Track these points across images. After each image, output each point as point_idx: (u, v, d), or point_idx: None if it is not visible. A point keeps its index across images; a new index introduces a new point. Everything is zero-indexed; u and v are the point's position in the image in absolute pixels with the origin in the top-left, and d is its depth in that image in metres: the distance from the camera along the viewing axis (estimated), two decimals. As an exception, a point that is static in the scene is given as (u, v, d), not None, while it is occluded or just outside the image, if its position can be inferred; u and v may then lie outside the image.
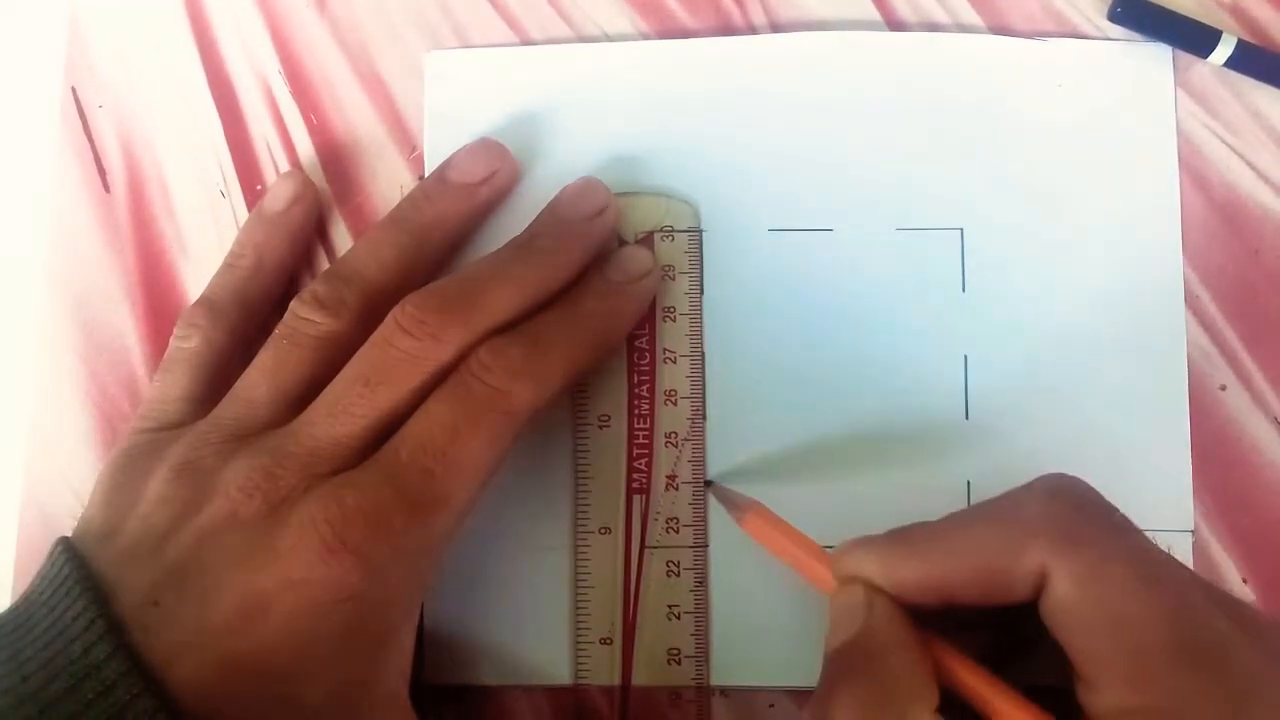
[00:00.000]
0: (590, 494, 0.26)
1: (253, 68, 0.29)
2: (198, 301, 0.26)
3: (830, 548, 0.26)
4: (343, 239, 0.28)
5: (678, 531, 0.26)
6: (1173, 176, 0.27)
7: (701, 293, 0.27)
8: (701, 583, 0.26)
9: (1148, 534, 0.26)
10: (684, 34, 0.29)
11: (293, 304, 0.25)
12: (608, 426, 0.27)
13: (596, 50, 0.28)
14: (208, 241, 0.29)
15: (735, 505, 0.25)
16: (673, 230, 0.27)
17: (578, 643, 0.26)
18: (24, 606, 0.22)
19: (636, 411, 0.27)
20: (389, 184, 0.29)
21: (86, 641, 0.20)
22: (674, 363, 0.27)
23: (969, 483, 0.26)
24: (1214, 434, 0.27)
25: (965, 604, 0.21)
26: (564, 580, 0.26)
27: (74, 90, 0.29)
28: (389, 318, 0.23)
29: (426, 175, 0.28)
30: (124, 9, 0.30)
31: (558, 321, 0.24)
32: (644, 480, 0.26)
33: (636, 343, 0.27)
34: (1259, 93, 0.28)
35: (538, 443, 0.27)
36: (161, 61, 0.29)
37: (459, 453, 0.22)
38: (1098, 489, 0.25)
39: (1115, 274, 0.27)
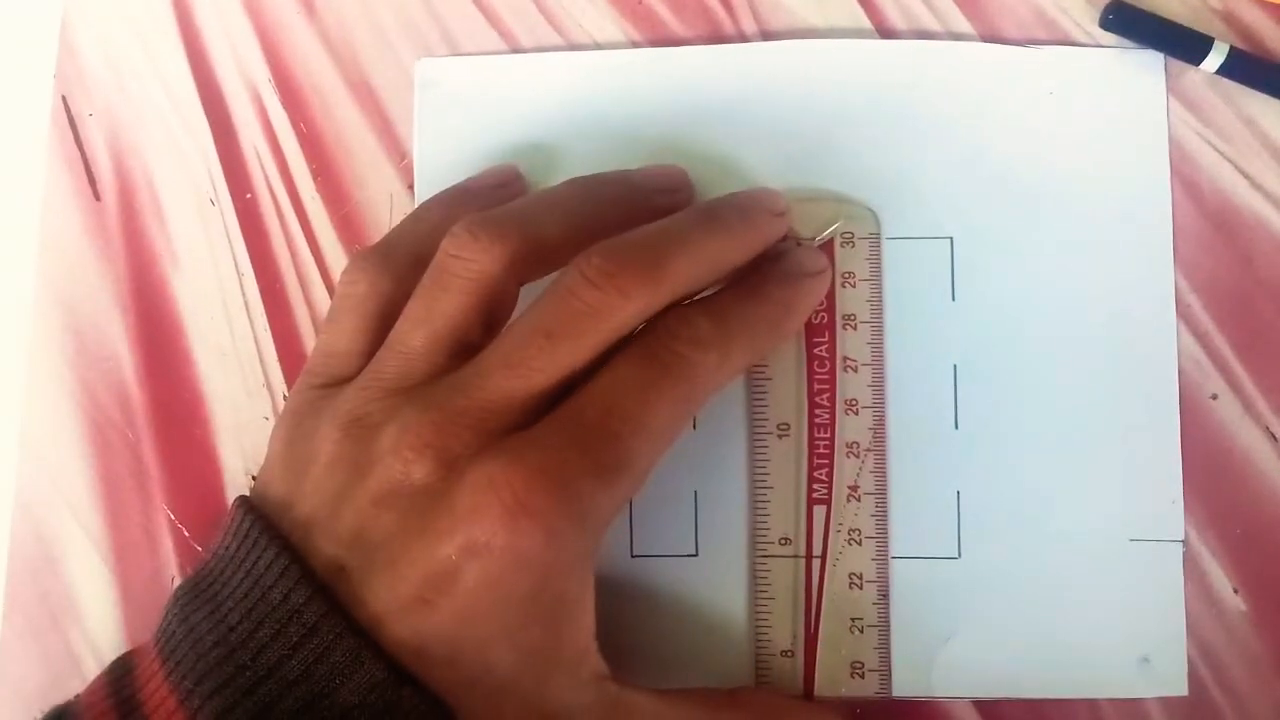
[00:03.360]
0: (769, 504, 0.26)
1: (242, 76, 0.29)
2: (368, 247, 0.25)
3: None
4: (332, 247, 0.28)
5: (860, 543, 0.26)
6: (1164, 184, 0.27)
7: (882, 301, 0.27)
8: (884, 595, 0.26)
9: (1138, 543, 0.26)
10: (675, 42, 0.29)
11: (444, 241, 0.22)
12: (787, 435, 0.26)
13: (587, 58, 0.28)
14: (198, 249, 0.29)
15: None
16: (854, 237, 0.27)
17: (758, 655, 0.26)
18: (214, 563, 0.22)
19: (816, 420, 0.26)
20: (379, 192, 0.28)
21: (284, 588, 0.20)
22: (855, 371, 0.26)
23: (958, 493, 0.26)
24: (1205, 443, 0.26)
25: None
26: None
27: (64, 99, 0.29)
28: (571, 268, 0.21)
29: (416, 184, 0.28)
30: (114, 17, 0.30)
31: (742, 301, 0.23)
32: (825, 491, 0.26)
33: (816, 350, 0.26)
34: (1251, 100, 0.28)
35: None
36: (151, 70, 0.29)
37: (647, 418, 0.21)
38: (1087, 498, 0.26)
39: (1106, 282, 0.27)
